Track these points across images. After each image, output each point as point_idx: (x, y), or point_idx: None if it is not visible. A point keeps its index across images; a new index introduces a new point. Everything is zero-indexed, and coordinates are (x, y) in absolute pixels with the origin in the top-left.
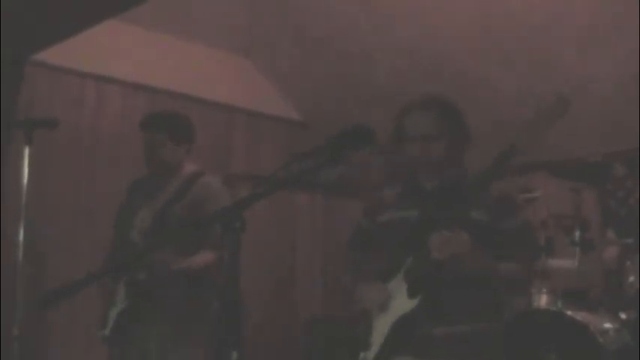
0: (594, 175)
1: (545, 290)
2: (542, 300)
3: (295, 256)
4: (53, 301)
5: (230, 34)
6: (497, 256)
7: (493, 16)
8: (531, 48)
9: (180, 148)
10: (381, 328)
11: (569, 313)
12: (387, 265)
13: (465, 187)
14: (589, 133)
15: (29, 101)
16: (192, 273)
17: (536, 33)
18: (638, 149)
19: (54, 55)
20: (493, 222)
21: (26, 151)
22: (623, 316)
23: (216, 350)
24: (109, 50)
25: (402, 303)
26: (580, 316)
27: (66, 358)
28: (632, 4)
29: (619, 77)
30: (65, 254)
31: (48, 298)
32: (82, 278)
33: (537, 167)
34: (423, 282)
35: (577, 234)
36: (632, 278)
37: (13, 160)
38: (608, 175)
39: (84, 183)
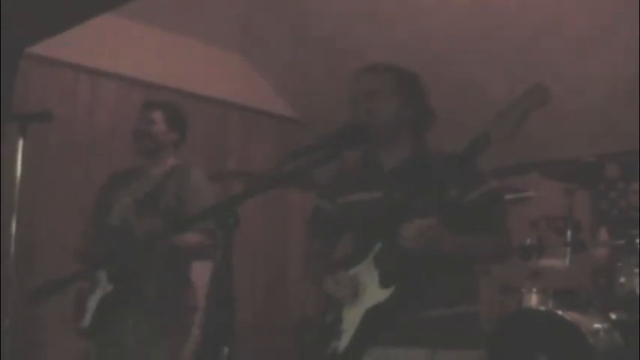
0: (587, 176)
1: (535, 290)
2: (533, 300)
3: (287, 254)
4: (44, 295)
5: (226, 31)
6: (470, 233)
7: (490, 17)
8: (527, 49)
9: (172, 133)
10: (352, 316)
11: (559, 313)
12: (353, 250)
13: (430, 168)
14: (582, 134)
15: (23, 94)
16: (187, 250)
17: (531, 34)
18: (631, 151)
19: (48, 47)
20: (459, 197)
21: (20, 145)
22: (613, 316)
23: (206, 345)
24: (103, 44)
25: (373, 292)
26: (570, 316)
27: (57, 351)
28: (628, 7)
29: (613, 79)
30: (58, 248)
31: (39, 291)
32: (73, 272)
33: (530, 168)
34: (396, 271)
35: (569, 234)
36: (623, 279)
37: (6, 153)
38: (600, 176)
39: (78, 177)
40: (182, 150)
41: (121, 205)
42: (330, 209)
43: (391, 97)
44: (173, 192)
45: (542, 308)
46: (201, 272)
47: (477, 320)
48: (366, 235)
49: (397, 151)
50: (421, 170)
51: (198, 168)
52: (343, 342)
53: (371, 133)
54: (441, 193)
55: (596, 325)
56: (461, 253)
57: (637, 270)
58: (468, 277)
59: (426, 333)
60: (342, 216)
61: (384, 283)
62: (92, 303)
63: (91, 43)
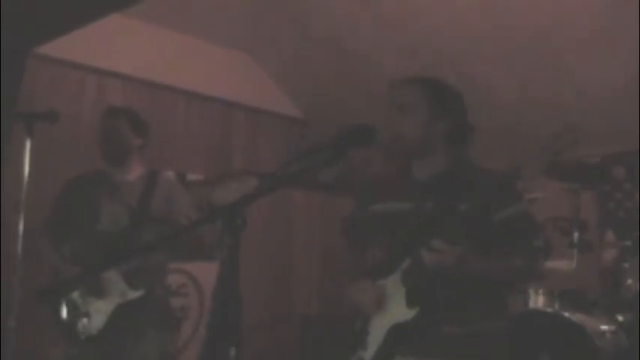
0: (593, 176)
1: (542, 291)
2: (539, 301)
3: (292, 254)
4: (51, 295)
5: (231, 30)
6: (496, 254)
7: (494, 17)
8: (531, 50)
9: (137, 138)
10: (378, 329)
11: (566, 314)
12: (382, 261)
13: (461, 183)
14: (588, 134)
15: (30, 94)
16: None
17: (536, 35)
18: (637, 152)
19: (55, 47)
20: (489, 214)
21: (27, 144)
22: (620, 318)
23: (212, 347)
24: (110, 44)
25: (399, 309)
26: (577, 317)
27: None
28: (632, 8)
29: (618, 80)
30: None
31: (45, 291)
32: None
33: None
34: (422, 293)
35: (575, 235)
36: (629, 280)
37: (13, 152)
38: (606, 177)
39: None
40: (146, 154)
41: (113, 212)
42: (364, 216)
43: (420, 111)
44: (160, 199)
45: (549, 309)
46: (207, 272)
47: (504, 334)
48: (396, 248)
49: (430, 164)
50: (452, 184)
51: (171, 172)
52: (369, 353)
53: (404, 146)
54: (469, 210)
55: (603, 327)
56: (483, 276)
57: None
58: (499, 293)
59: (457, 347)
60: (374, 224)
61: (409, 303)
62: (103, 308)
63: (98, 44)
